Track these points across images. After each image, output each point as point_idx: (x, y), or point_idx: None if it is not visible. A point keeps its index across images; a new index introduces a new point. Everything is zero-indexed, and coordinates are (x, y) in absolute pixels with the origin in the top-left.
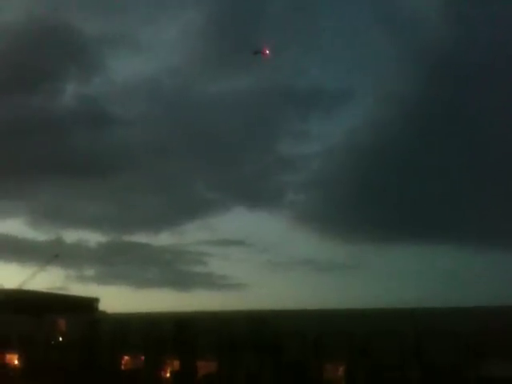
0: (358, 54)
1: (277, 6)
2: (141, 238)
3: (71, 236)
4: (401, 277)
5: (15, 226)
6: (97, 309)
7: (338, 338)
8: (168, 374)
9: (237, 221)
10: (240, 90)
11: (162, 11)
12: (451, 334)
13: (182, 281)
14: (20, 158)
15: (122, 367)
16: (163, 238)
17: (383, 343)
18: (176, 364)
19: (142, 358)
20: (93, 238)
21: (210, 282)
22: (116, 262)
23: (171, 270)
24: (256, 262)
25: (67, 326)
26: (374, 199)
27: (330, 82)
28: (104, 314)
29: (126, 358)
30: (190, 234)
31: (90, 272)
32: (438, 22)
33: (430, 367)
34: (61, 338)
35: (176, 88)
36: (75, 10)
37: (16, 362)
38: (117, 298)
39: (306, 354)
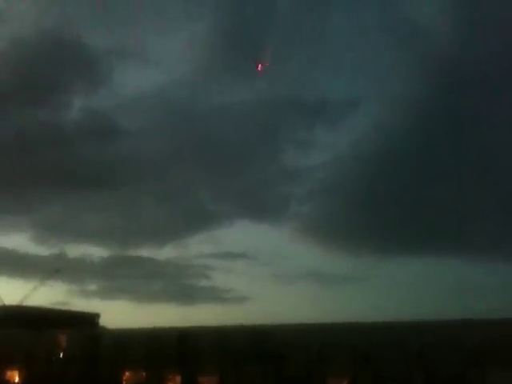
0: (363, 63)
1: (282, 16)
2: (144, 251)
3: (74, 250)
4: (406, 289)
5: (19, 241)
6: (98, 324)
7: (342, 350)
8: None
9: (240, 233)
10: (245, 100)
11: (168, 23)
12: (455, 345)
13: (185, 295)
14: (24, 171)
15: (124, 383)
16: (166, 252)
17: (387, 355)
18: (178, 379)
19: (144, 373)
20: (96, 252)
21: (213, 295)
22: (119, 277)
23: (174, 283)
24: (260, 275)
25: (68, 342)
26: (380, 211)
27: (336, 91)
28: (105, 329)
29: (128, 373)
30: (194, 247)
31: (92, 287)
32: (443, 28)
33: (433, 379)
34: (62, 354)
35: (182, 99)
36: (82, 24)
37: (17, 378)
38: (120, 313)
39: (309, 367)
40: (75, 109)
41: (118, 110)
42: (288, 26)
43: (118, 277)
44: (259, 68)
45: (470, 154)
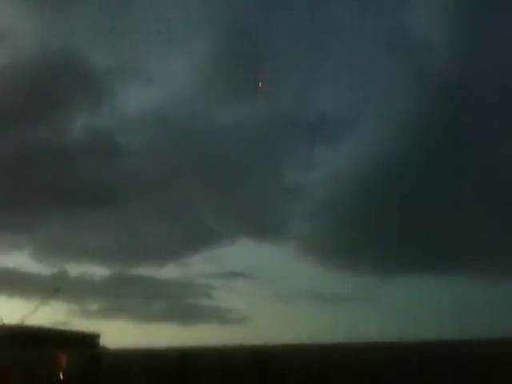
0: (363, 81)
1: (283, 35)
2: (145, 270)
3: (75, 269)
4: (406, 308)
5: (19, 260)
6: (98, 344)
7: (344, 371)
8: None
9: (241, 252)
10: (246, 118)
11: (171, 43)
12: (456, 365)
13: (186, 314)
14: (25, 189)
15: None
16: (168, 271)
17: (389, 376)
18: None
19: None
20: (96, 271)
21: (215, 315)
22: (120, 296)
23: (176, 303)
24: (261, 295)
25: (68, 362)
26: (380, 229)
27: (335, 109)
28: (105, 349)
29: None
30: (195, 267)
31: (93, 306)
32: (444, 46)
33: None
34: (62, 375)
35: (183, 118)
36: (84, 42)
37: None
38: (121, 333)
39: None
40: (76, 127)
41: (118, 129)
42: (288, 44)
43: (119, 296)
44: (261, 85)
45: (470, 171)
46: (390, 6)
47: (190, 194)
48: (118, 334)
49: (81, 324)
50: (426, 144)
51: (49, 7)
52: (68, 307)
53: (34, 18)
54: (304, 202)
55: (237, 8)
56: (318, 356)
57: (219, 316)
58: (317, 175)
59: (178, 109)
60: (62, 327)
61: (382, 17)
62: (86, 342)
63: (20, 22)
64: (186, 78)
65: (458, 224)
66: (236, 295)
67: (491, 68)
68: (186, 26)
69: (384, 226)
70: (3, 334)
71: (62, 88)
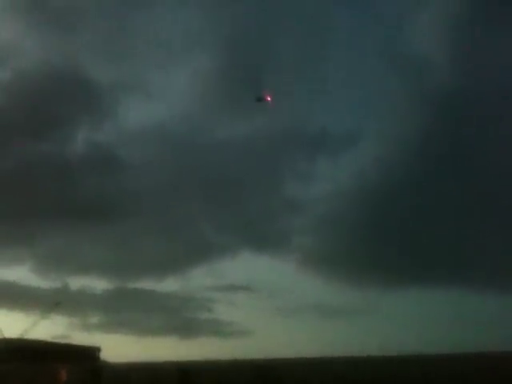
0: (364, 96)
1: (283, 50)
2: (146, 284)
3: (75, 283)
4: (409, 321)
5: (20, 273)
6: (98, 358)
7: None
8: None
9: (242, 265)
10: (246, 133)
11: (172, 59)
12: (458, 380)
13: (187, 328)
14: (26, 203)
15: None
16: (168, 285)
17: None
18: None
19: None
20: (97, 284)
21: (215, 329)
22: (120, 310)
23: (176, 317)
24: (263, 308)
25: (68, 376)
26: (382, 242)
27: (337, 124)
28: (105, 363)
29: None
30: (195, 280)
31: (93, 320)
32: (443, 63)
33: None
34: None
35: (184, 133)
36: (87, 58)
37: None
38: (121, 346)
39: None
40: (78, 142)
41: (119, 143)
42: (288, 60)
43: (119, 310)
44: (267, 98)
45: (468, 187)
46: (391, 18)
47: (190, 208)
48: (119, 347)
49: (81, 338)
50: (425, 158)
51: (51, 25)
52: (68, 321)
53: (36, 35)
54: (304, 216)
55: (237, 23)
56: (319, 370)
57: (219, 329)
58: (317, 189)
59: (179, 124)
60: (62, 341)
61: (382, 26)
62: (87, 356)
63: (23, 39)
64: (186, 92)
65: (458, 238)
66: (236, 308)
67: (490, 84)
68: (186, 42)
69: (384, 240)
70: (3, 348)
71: (63, 103)
